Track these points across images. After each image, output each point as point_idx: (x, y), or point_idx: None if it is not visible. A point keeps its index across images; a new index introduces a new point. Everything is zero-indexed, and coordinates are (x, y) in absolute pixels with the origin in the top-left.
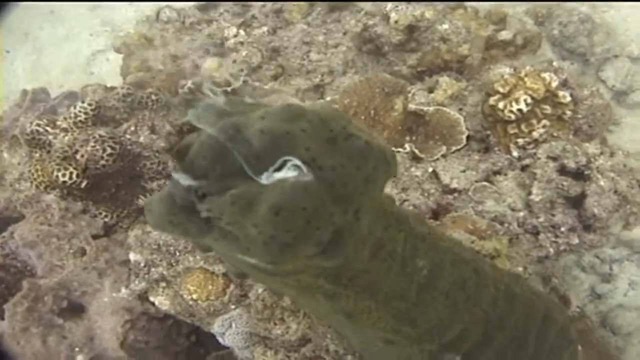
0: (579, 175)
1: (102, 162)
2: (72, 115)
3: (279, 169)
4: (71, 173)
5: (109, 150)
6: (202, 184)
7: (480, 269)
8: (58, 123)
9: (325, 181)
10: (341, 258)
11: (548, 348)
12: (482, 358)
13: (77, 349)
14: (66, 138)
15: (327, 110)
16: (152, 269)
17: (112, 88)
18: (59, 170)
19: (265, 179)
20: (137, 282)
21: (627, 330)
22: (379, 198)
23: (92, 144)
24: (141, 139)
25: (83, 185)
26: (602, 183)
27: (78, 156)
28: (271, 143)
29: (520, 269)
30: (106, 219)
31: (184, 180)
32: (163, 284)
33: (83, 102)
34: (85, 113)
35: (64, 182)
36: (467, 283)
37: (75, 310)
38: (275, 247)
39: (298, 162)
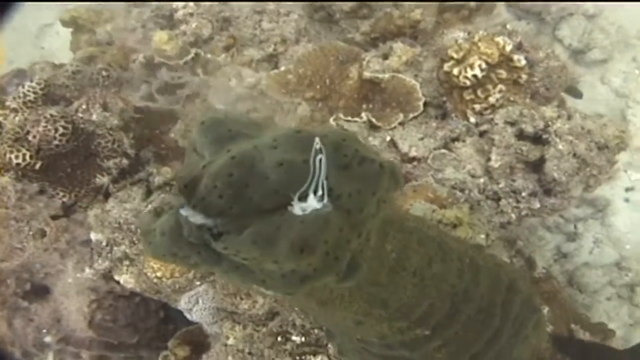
0: (538, 139)
1: (55, 142)
2: (21, 95)
3: (301, 198)
4: (24, 155)
5: (61, 130)
6: (218, 224)
7: (444, 245)
8: (7, 104)
9: (343, 209)
10: (356, 280)
11: (513, 317)
12: (450, 331)
13: (44, 331)
14: (17, 119)
15: (337, 134)
16: (115, 248)
17: (61, 65)
18: (11, 152)
19: (296, 210)
20: (100, 261)
21: (593, 288)
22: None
23: (43, 124)
24: (94, 117)
25: (37, 166)
26: (560, 147)
27: (30, 137)
28: (289, 176)
29: (483, 236)
30: (64, 199)
31: (198, 219)
32: (127, 263)
33: (32, 81)
34: (35, 92)
35: (18, 164)
36: (433, 260)
37: (40, 292)
38: (296, 280)
39: (320, 193)
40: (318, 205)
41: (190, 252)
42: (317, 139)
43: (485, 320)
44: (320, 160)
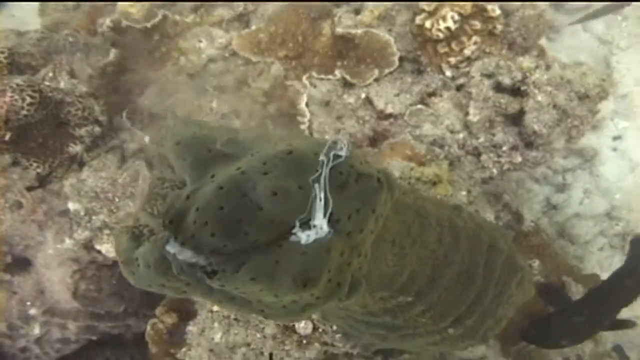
0: (516, 91)
1: (24, 112)
2: None
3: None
4: None
5: (28, 100)
6: (212, 262)
7: (422, 210)
8: None
9: (344, 232)
10: (360, 293)
11: (496, 278)
12: (433, 296)
13: (28, 303)
14: None
15: (329, 150)
16: (94, 217)
17: (26, 33)
18: None
19: (300, 238)
20: (79, 231)
21: (584, 239)
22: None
23: (9, 94)
24: (61, 85)
25: (7, 137)
26: (539, 98)
27: None
28: (285, 205)
29: (464, 193)
30: (38, 170)
31: (188, 256)
32: (107, 231)
33: None
34: None
35: None
36: (411, 227)
37: (21, 264)
38: (297, 310)
39: (320, 221)
40: (326, 231)
41: (179, 284)
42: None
43: (467, 283)
44: (320, 183)
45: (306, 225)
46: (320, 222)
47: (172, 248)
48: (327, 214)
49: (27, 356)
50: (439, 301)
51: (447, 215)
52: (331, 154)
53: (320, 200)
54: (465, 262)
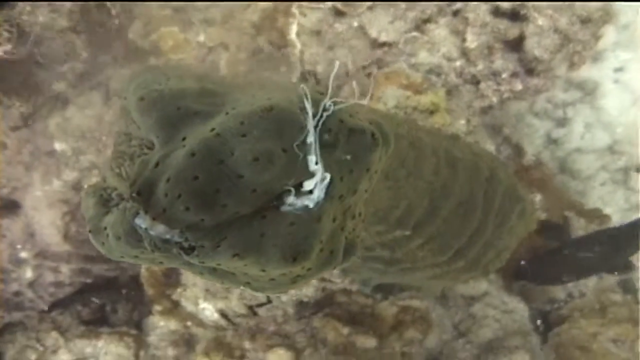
0: (515, 15)
1: (1, 48)
2: None
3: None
4: None
5: (5, 35)
6: (188, 238)
7: (418, 141)
8: None
9: (335, 197)
10: (355, 256)
11: (496, 208)
12: (431, 228)
13: (19, 247)
14: None
15: (315, 103)
16: (81, 157)
17: None
18: None
19: (288, 208)
20: (67, 172)
21: (586, 174)
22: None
23: None
24: (40, 19)
25: None
26: (540, 22)
27: None
28: (270, 172)
29: (463, 122)
30: (22, 109)
31: (161, 232)
32: (95, 172)
33: None
34: None
35: None
36: (406, 159)
37: (10, 207)
38: (286, 282)
39: (311, 187)
40: (316, 198)
41: (154, 255)
42: (302, 117)
43: (466, 214)
44: (308, 143)
45: (293, 192)
46: (312, 188)
47: (142, 222)
48: (320, 179)
49: (20, 300)
50: (438, 234)
51: (443, 146)
52: (320, 108)
53: (311, 163)
54: (464, 193)
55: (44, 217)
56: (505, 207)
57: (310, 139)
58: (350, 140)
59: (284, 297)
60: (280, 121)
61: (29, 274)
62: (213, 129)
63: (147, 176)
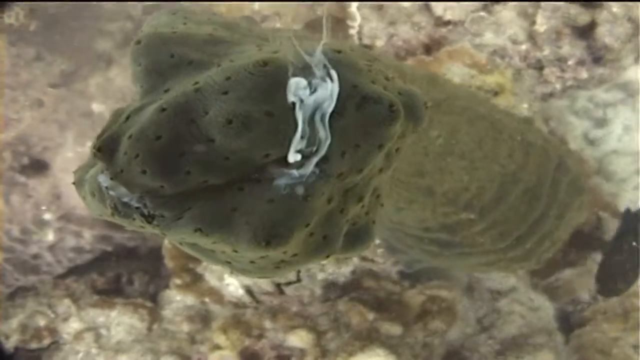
0: (588, 2)
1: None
2: None
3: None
4: (17, 14)
5: None
6: (147, 204)
7: (496, 122)
8: None
9: (332, 174)
10: (365, 248)
11: (561, 198)
12: (496, 213)
13: (43, 208)
14: None
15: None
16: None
17: None
18: (3, 11)
19: (269, 183)
20: None
21: (620, 177)
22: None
23: None
24: None
25: (32, 27)
26: (615, 9)
27: None
28: (245, 138)
29: (525, 105)
30: (63, 67)
31: (122, 194)
32: None
33: None
34: None
35: (11, 24)
36: (484, 140)
37: (38, 167)
38: (269, 266)
39: (299, 157)
40: (302, 173)
41: (131, 219)
42: (291, 74)
43: (531, 202)
44: (300, 105)
45: (279, 164)
46: (295, 159)
47: (104, 181)
48: (317, 151)
49: (38, 263)
50: (502, 220)
51: (519, 129)
52: (330, 69)
53: (298, 130)
54: (532, 180)
55: (72, 179)
56: (568, 197)
57: (303, 102)
58: (361, 110)
59: (319, 275)
60: (272, 79)
61: (50, 236)
62: (196, 83)
63: (113, 130)
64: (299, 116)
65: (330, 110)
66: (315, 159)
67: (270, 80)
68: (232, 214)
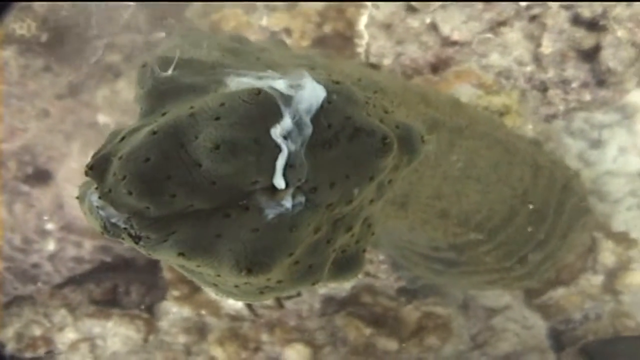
0: (594, 26)
1: (63, 12)
2: None
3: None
4: (29, 25)
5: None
6: (133, 225)
7: (511, 147)
8: None
9: (321, 205)
10: (353, 276)
11: (565, 219)
12: (503, 234)
13: (45, 218)
14: None
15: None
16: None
17: None
18: (15, 22)
19: (255, 211)
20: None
21: (614, 197)
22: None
23: None
24: None
25: (43, 39)
26: (619, 34)
27: (36, 6)
28: (229, 165)
29: (530, 126)
30: (71, 78)
31: (110, 214)
32: None
33: None
34: None
35: (22, 35)
36: (499, 164)
37: (42, 177)
38: (253, 291)
39: (279, 183)
40: (288, 204)
41: (120, 238)
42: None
43: (537, 223)
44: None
45: (267, 192)
46: (280, 185)
47: (94, 200)
48: (297, 180)
49: (37, 273)
50: (508, 240)
51: (529, 151)
52: (322, 97)
53: (282, 158)
54: (539, 202)
55: (75, 190)
56: (572, 218)
57: (288, 126)
58: (353, 141)
59: (320, 290)
60: (264, 108)
61: (51, 246)
62: (192, 107)
63: (107, 150)
64: (284, 146)
65: (309, 132)
66: (304, 190)
67: (261, 108)
68: (216, 240)
